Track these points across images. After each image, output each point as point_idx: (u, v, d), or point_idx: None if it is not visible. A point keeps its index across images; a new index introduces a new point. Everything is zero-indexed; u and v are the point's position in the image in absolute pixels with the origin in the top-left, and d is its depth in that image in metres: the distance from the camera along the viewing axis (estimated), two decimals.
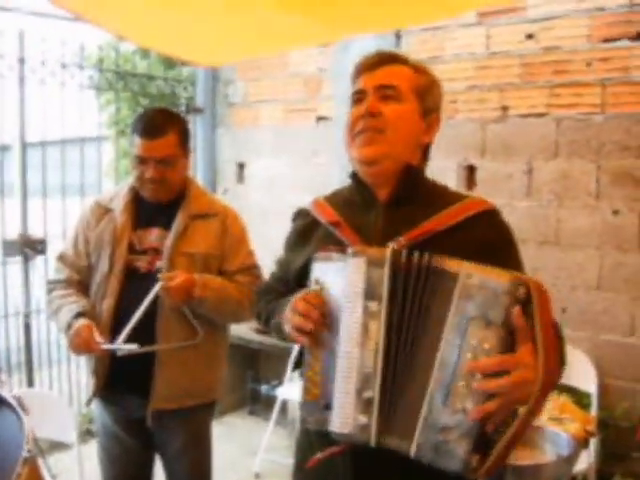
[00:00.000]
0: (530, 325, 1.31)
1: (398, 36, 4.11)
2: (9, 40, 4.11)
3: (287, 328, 1.55)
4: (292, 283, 1.71)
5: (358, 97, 1.63)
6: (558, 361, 1.38)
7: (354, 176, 1.68)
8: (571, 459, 2.21)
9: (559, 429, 2.37)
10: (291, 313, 1.51)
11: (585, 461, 2.98)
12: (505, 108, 3.76)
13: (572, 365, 3.29)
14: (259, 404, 5.03)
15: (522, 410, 1.31)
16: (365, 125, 1.58)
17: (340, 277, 1.46)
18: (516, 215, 3.75)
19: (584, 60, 3.49)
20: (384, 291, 1.41)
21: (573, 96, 3.53)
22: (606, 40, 3.43)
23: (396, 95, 1.59)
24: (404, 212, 1.58)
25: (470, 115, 3.89)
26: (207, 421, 2.65)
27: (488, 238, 1.54)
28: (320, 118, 4.61)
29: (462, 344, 1.34)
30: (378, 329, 1.41)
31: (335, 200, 1.71)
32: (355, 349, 1.41)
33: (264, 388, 4.94)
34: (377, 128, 1.57)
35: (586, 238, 3.55)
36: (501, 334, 1.31)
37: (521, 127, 3.71)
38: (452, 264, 1.39)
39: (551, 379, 1.33)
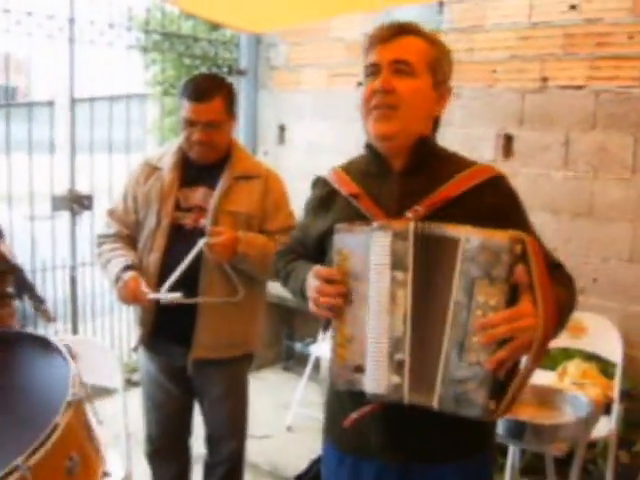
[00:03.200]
0: (528, 277, 1.42)
1: (441, 4, 4.13)
2: (59, 1, 4.23)
3: (310, 305, 1.65)
4: (311, 248, 1.82)
5: (372, 70, 1.67)
6: (555, 306, 1.46)
7: (369, 147, 1.75)
8: (589, 421, 2.28)
9: (579, 392, 2.46)
10: (311, 291, 1.62)
11: (607, 427, 3.07)
12: (545, 79, 3.79)
13: (600, 334, 3.38)
14: (293, 360, 5.19)
15: (527, 355, 1.43)
16: (379, 101, 1.64)
17: (363, 248, 1.56)
18: (552, 186, 3.80)
19: (626, 33, 3.49)
20: (409, 262, 1.52)
21: (613, 69, 3.54)
22: None
23: (410, 70, 1.63)
24: (418, 181, 1.66)
25: (510, 85, 3.92)
26: (244, 372, 2.79)
27: (497, 204, 1.63)
28: (361, 83, 4.64)
29: (470, 303, 1.45)
30: (405, 296, 1.52)
31: (352, 169, 1.79)
32: (385, 316, 1.53)
33: (298, 345, 5.08)
34: (391, 104, 1.62)
35: (620, 211, 3.59)
36: (505, 290, 1.43)
37: (560, 98, 3.74)
38: (452, 230, 1.49)
39: (551, 324, 1.44)
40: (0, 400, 1.40)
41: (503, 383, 1.45)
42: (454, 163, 1.71)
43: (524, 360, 1.46)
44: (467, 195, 1.62)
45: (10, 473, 1.17)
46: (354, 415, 1.64)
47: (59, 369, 1.49)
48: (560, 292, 1.55)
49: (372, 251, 1.54)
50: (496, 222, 1.52)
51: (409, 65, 1.63)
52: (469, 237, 1.46)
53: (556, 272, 1.63)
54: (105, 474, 1.41)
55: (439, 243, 1.50)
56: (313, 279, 1.63)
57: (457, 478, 1.68)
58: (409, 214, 1.58)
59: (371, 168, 1.75)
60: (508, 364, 1.44)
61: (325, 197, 1.82)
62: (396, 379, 1.52)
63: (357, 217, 1.65)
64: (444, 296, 1.48)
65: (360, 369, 1.57)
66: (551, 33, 3.74)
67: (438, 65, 1.68)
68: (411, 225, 1.52)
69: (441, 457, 1.67)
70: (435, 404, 1.50)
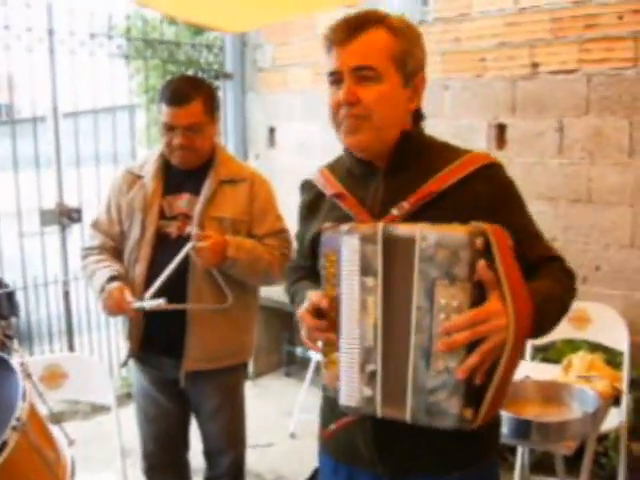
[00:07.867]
0: (494, 272, 1.30)
1: None
2: (37, 13, 4.15)
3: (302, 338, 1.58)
4: (307, 256, 1.72)
5: (335, 78, 1.52)
6: (528, 302, 1.35)
7: (348, 151, 1.63)
8: (597, 416, 2.19)
9: (586, 386, 2.37)
10: (301, 328, 1.55)
11: (617, 419, 2.98)
12: (535, 65, 3.70)
13: (604, 324, 3.30)
14: (295, 366, 5.11)
15: (502, 357, 1.32)
16: (346, 113, 1.51)
17: (338, 252, 1.47)
18: (548, 173, 3.72)
19: (615, 13, 3.40)
20: (378, 266, 1.41)
21: (604, 51, 3.46)
22: None
23: (374, 75, 1.48)
24: (404, 177, 1.55)
25: (500, 73, 3.84)
26: (239, 382, 2.71)
27: (491, 193, 1.51)
28: None
29: (432, 306, 1.34)
30: (375, 304, 1.42)
31: (338, 168, 1.69)
32: (355, 325, 1.44)
33: (299, 350, 5.00)
34: (359, 115, 1.50)
35: (619, 195, 3.51)
36: (468, 289, 1.31)
37: (552, 84, 3.65)
38: (406, 228, 1.39)
39: (524, 322, 1.33)
40: None
41: (482, 388, 1.34)
42: (445, 153, 1.59)
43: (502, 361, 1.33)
44: (460, 186, 1.50)
45: None
46: (332, 427, 1.59)
47: (13, 388, 1.39)
48: (545, 285, 1.45)
49: (342, 256, 1.46)
50: (491, 212, 1.43)
51: (373, 69, 1.49)
52: (425, 235, 1.35)
53: (549, 265, 1.54)
54: None
55: (399, 244, 1.39)
56: (303, 319, 1.54)
57: None
58: (394, 211, 1.49)
59: (354, 169, 1.64)
60: (484, 368, 1.32)
61: (313, 200, 1.72)
62: (368, 391, 1.44)
63: (343, 218, 1.55)
64: (407, 301, 1.38)
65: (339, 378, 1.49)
66: (539, 17, 3.65)
67: (407, 57, 1.53)
68: (380, 227, 1.42)
69: (436, 469, 1.56)
70: (408, 417, 1.40)
